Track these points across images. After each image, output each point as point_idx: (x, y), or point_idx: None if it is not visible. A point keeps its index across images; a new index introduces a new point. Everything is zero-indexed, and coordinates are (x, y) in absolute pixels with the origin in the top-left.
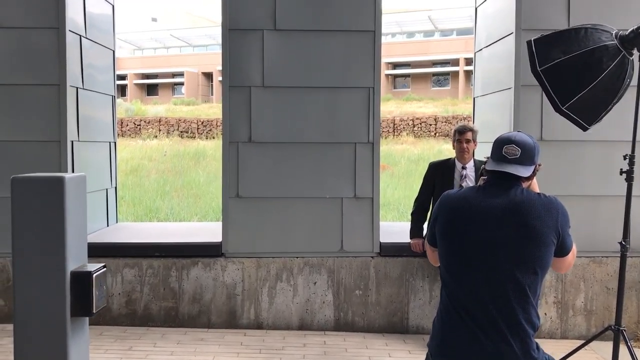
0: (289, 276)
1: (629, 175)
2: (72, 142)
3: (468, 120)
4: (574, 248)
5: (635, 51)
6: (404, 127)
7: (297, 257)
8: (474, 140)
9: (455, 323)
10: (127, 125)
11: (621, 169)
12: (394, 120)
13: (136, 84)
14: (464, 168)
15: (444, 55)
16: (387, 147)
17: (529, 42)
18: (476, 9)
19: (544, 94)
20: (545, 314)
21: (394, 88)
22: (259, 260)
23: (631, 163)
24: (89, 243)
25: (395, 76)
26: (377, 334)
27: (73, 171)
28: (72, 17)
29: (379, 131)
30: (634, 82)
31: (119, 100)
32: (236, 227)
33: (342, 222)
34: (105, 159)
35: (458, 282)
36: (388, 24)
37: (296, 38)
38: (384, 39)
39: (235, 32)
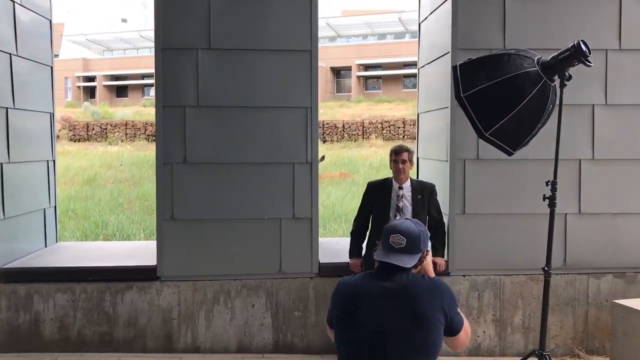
0: (227, 299)
1: (552, 202)
2: (2, 164)
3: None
4: (466, 326)
5: (556, 77)
6: (373, 130)
7: (234, 280)
8: (410, 161)
9: None
10: (93, 129)
11: (544, 195)
12: (363, 123)
13: (105, 86)
14: (400, 188)
15: (415, 57)
16: (351, 153)
17: (454, 68)
18: (420, 24)
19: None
20: (484, 331)
21: (366, 90)
22: (196, 284)
23: (553, 189)
24: (21, 268)
25: (367, 78)
26: (315, 356)
27: (2, 194)
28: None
29: (317, 151)
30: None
31: (85, 103)
32: (171, 250)
33: (281, 243)
34: (43, 179)
35: None
36: (359, 25)
37: (231, 57)
38: (355, 41)
39: (168, 51)
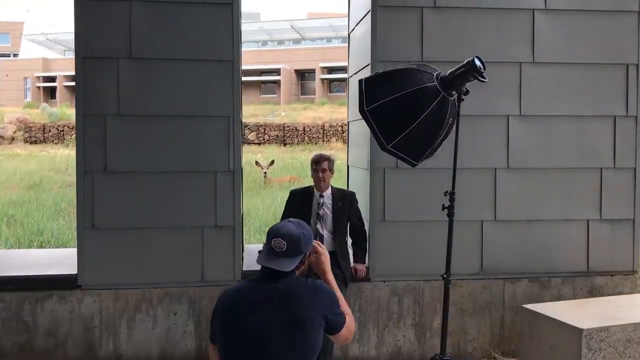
0: (149, 307)
1: (450, 211)
2: None
3: None
4: (348, 323)
5: (454, 92)
6: (333, 133)
7: (156, 288)
8: (331, 170)
9: None
10: (50, 131)
11: (443, 205)
12: (324, 127)
13: (66, 86)
14: (321, 196)
15: None
16: (306, 156)
17: (360, 82)
18: (349, 34)
19: None
20: (404, 336)
21: (330, 92)
22: (117, 292)
23: (452, 199)
24: None
25: (331, 81)
26: None
27: None
28: None
29: (239, 160)
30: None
31: (43, 104)
32: (92, 259)
33: (203, 251)
34: None
35: None
36: (323, 28)
37: (153, 66)
38: (319, 44)
39: (89, 60)
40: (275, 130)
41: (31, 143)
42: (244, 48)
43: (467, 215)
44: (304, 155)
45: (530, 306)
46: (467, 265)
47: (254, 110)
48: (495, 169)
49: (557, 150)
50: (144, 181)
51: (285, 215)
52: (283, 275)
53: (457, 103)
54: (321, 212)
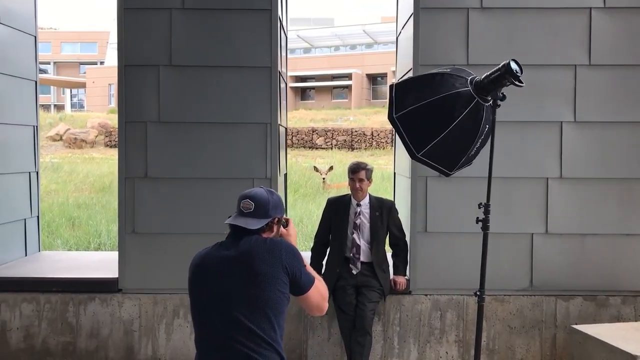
0: (186, 312)
1: (485, 224)
2: None
3: None
4: (318, 285)
5: (489, 97)
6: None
7: None
8: (368, 179)
9: None
10: None
11: (477, 218)
12: (392, 131)
13: None
14: (358, 205)
15: None
16: (371, 161)
17: (391, 87)
18: (397, 38)
19: None
20: (447, 352)
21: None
22: (156, 297)
23: (486, 212)
24: None
25: None
26: None
27: None
28: None
29: (276, 167)
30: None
31: (111, 106)
32: (133, 264)
33: None
34: (24, 189)
35: (200, 334)
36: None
37: (192, 73)
38: (392, 48)
39: (130, 68)
40: (343, 135)
41: (111, 147)
42: (317, 54)
43: (516, 228)
44: (369, 161)
45: (580, 327)
46: (515, 281)
47: (325, 115)
48: (547, 178)
49: (616, 158)
50: (183, 187)
51: (322, 224)
52: (246, 236)
53: (493, 109)
54: (358, 221)
